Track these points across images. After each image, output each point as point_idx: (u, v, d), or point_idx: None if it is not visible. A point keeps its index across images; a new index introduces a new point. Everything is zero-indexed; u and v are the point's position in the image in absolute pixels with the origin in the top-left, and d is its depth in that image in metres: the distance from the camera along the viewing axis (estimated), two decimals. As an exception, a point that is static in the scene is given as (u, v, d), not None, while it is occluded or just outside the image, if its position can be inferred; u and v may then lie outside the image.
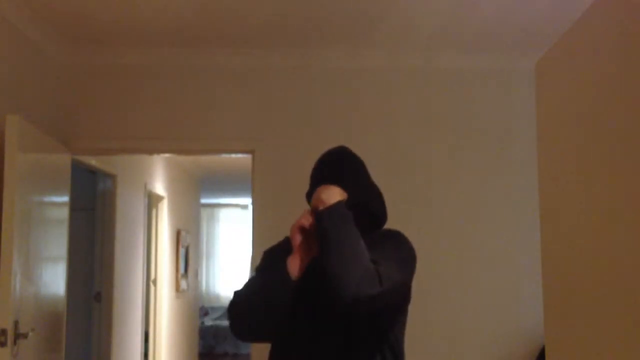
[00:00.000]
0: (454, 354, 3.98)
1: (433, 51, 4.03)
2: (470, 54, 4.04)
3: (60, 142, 3.79)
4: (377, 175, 2.09)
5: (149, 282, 6.75)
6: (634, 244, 1.27)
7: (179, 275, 7.59)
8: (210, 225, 12.22)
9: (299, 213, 1.86)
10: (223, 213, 12.26)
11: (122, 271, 5.24)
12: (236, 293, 1.87)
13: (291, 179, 3.54)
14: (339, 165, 1.98)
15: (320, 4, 3.39)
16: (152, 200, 6.65)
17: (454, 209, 4.05)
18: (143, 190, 5.95)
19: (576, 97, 1.59)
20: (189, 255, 8.11)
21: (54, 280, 3.62)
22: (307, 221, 1.82)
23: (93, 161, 4.54)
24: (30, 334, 3.14)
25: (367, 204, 1.95)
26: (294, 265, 1.80)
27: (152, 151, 4.72)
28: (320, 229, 1.76)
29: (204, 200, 10.00)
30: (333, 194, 1.82)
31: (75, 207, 4.14)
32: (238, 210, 12.01)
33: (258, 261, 2.03)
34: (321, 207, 1.79)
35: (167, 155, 6.20)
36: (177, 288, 7.52)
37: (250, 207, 4.28)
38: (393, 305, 1.86)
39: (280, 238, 2.05)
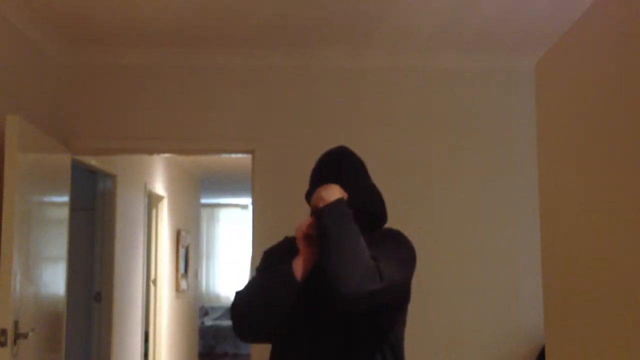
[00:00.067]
0: (454, 354, 3.98)
1: (433, 51, 4.03)
2: (470, 54, 4.04)
3: (60, 142, 3.79)
4: (377, 175, 2.09)
5: (149, 282, 6.75)
6: (634, 244, 1.27)
7: (179, 275, 7.59)
8: (210, 225, 12.22)
9: (299, 213, 1.86)
10: (223, 213, 12.25)
11: (122, 271, 5.24)
12: (237, 294, 1.88)
13: (291, 179, 3.54)
14: (338, 165, 1.98)
15: (320, 4, 3.39)
16: (152, 200, 6.65)
17: (453, 209, 4.05)
18: (143, 190, 5.95)
19: (576, 97, 1.59)
20: (189, 255, 8.11)
21: (54, 280, 3.62)
22: (310, 228, 1.81)
23: (93, 161, 4.54)
24: (30, 334, 3.14)
25: (366, 204, 1.95)
26: (298, 268, 1.80)
27: (152, 151, 4.71)
28: (321, 226, 1.77)
29: (204, 200, 10.00)
30: (333, 192, 1.82)
31: (75, 207, 4.14)
32: (238, 210, 12.00)
33: (258, 261, 2.03)
34: (321, 205, 1.79)
35: (167, 155, 6.19)
36: (177, 288, 7.52)
37: (250, 207, 4.28)
38: (393, 304, 1.86)
39: (280, 238, 2.05)
